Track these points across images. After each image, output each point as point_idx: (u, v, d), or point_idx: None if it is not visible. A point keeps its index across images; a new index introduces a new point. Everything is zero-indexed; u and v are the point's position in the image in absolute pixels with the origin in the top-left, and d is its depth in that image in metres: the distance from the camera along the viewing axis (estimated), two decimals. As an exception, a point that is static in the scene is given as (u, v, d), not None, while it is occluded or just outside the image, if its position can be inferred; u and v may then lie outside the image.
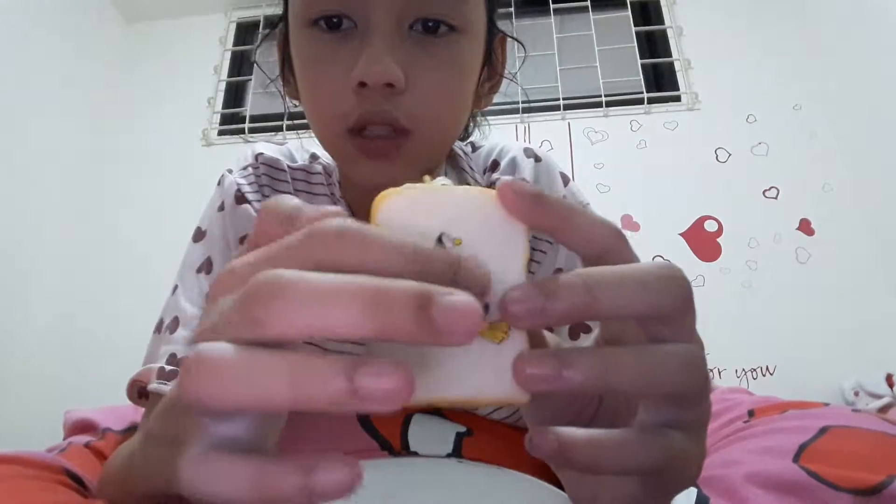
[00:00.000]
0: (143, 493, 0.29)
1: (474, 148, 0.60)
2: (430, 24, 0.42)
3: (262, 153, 0.56)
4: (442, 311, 0.17)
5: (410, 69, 0.41)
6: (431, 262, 0.19)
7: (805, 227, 1.87)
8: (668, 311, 0.22)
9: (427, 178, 0.25)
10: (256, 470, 0.18)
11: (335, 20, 0.42)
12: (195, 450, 0.19)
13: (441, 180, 0.25)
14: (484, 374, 0.22)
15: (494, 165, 0.58)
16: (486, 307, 0.22)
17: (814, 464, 0.36)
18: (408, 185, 0.24)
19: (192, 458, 0.19)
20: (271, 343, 0.18)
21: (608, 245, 0.23)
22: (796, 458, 0.37)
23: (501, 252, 0.23)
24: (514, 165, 0.57)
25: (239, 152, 0.57)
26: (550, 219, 0.23)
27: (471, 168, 0.57)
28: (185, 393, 0.18)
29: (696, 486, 0.37)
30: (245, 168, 0.55)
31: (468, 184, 0.50)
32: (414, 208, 0.23)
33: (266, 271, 0.18)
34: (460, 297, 0.18)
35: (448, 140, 0.49)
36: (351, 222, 0.20)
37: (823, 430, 0.40)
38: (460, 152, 0.58)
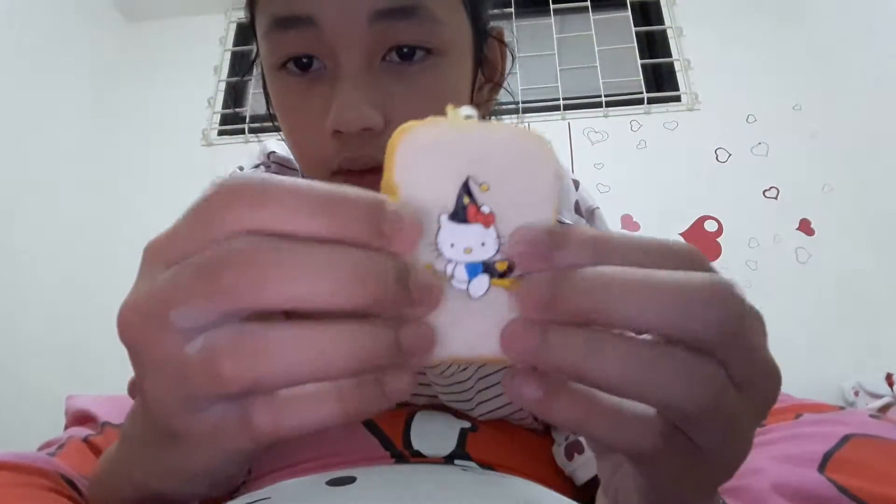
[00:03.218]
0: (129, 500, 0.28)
1: None
2: (405, 50, 0.39)
3: (274, 152, 0.56)
4: (416, 284, 0.19)
5: (389, 104, 0.39)
6: (350, 209, 0.19)
7: (805, 227, 1.87)
8: (697, 335, 0.19)
9: (450, 107, 0.22)
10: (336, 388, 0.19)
11: (304, 61, 0.40)
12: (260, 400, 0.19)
13: (466, 110, 0.22)
14: (479, 331, 0.21)
15: None
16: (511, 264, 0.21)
17: (841, 475, 0.36)
18: (431, 118, 0.21)
19: (264, 406, 0.19)
20: (230, 314, 0.19)
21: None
22: (822, 468, 0.37)
23: (531, 199, 0.21)
24: None
25: (240, 151, 0.57)
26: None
27: None
28: (233, 378, 0.18)
29: (720, 497, 0.37)
30: (257, 166, 0.55)
31: None
32: (437, 146, 0.21)
33: (233, 238, 0.18)
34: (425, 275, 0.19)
35: None
36: (251, 178, 0.19)
37: (846, 439, 0.39)
38: None
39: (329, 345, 0.18)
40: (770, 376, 0.21)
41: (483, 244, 0.21)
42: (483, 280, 0.21)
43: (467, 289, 0.21)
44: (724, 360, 0.20)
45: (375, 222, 0.19)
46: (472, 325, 0.21)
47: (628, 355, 0.19)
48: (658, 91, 2.13)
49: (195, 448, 0.22)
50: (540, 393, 0.20)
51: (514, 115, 2.10)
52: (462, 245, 0.21)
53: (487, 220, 0.21)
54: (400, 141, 0.21)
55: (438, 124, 0.21)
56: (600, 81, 2.12)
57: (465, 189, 0.21)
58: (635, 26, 2.21)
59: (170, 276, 0.19)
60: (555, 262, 0.20)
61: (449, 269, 0.21)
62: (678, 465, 0.21)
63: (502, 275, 0.21)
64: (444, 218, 0.21)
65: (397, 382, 0.20)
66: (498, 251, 0.21)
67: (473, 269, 0.21)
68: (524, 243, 0.20)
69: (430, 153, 0.21)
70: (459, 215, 0.21)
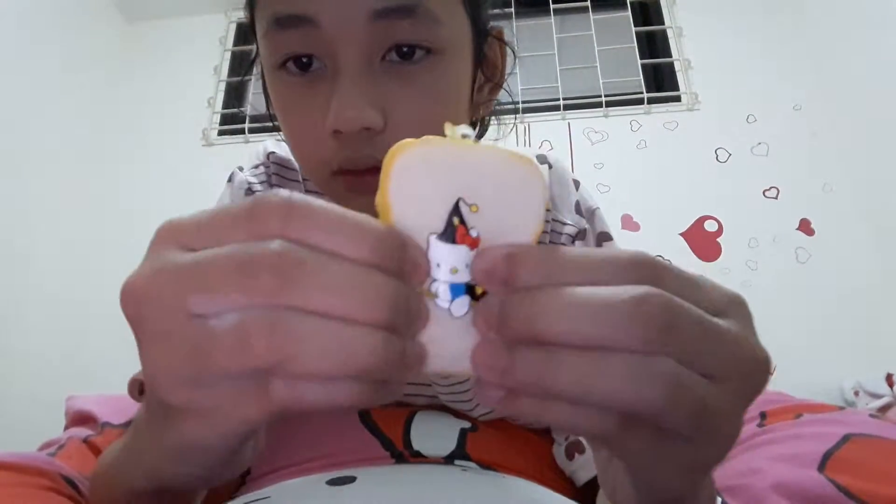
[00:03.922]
0: (134, 490, 0.29)
1: None
2: (405, 49, 0.39)
3: (273, 152, 0.56)
4: (414, 307, 0.21)
5: (389, 104, 0.39)
6: (383, 244, 0.21)
7: (805, 227, 1.87)
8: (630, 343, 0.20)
9: (448, 125, 0.23)
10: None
11: (304, 60, 0.40)
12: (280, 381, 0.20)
13: (462, 129, 0.23)
14: (460, 349, 0.22)
15: None
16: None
17: (840, 475, 0.36)
18: (427, 137, 0.22)
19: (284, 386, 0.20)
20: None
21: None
22: (821, 468, 0.37)
23: (516, 223, 0.22)
24: None
25: (240, 152, 0.57)
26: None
27: None
28: (263, 355, 0.19)
29: (720, 496, 0.37)
30: (256, 167, 0.56)
31: None
32: (431, 167, 0.22)
33: (276, 242, 0.20)
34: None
35: None
36: (297, 196, 0.21)
37: (846, 438, 0.40)
38: None
39: (354, 342, 0.19)
40: (747, 362, 0.22)
41: (467, 265, 0.22)
42: (464, 301, 0.22)
43: (449, 308, 0.22)
44: (679, 356, 0.20)
45: (399, 257, 0.21)
46: (454, 343, 0.22)
47: (581, 369, 0.20)
48: (658, 91, 2.13)
49: (194, 423, 0.22)
50: (501, 393, 0.21)
51: (514, 115, 2.10)
52: (448, 265, 0.22)
53: (474, 243, 0.22)
54: (394, 160, 0.22)
55: (433, 144, 0.22)
56: (600, 81, 2.12)
57: (456, 210, 0.22)
58: (635, 26, 2.21)
59: (200, 260, 0.20)
60: (511, 284, 0.21)
61: (434, 287, 0.22)
62: (654, 449, 0.22)
63: (481, 296, 0.22)
64: (434, 238, 0.22)
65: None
66: None
67: (457, 290, 0.22)
68: (484, 266, 0.22)
69: (424, 174, 0.22)
70: (448, 236, 0.22)
